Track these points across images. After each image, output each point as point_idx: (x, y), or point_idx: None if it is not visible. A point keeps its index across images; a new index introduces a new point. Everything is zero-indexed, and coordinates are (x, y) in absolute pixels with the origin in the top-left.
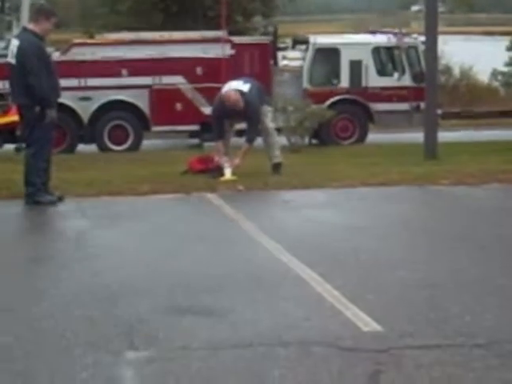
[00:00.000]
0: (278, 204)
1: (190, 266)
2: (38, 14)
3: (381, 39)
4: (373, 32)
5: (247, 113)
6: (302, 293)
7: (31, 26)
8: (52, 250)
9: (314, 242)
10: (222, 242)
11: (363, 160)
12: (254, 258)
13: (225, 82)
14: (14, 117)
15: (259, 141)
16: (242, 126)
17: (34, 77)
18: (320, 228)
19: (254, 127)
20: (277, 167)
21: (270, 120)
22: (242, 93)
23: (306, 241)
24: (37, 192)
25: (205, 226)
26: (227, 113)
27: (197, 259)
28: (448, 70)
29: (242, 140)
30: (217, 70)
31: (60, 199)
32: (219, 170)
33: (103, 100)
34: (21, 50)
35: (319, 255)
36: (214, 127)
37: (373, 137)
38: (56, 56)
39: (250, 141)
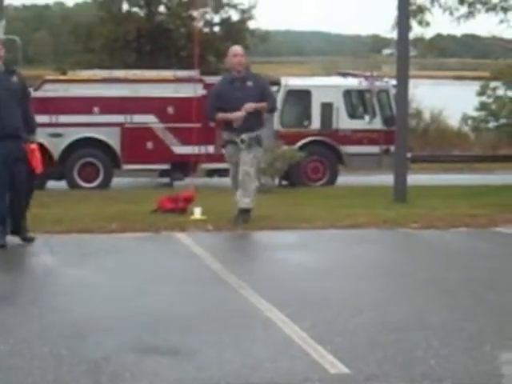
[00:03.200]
0: (246, 244)
1: (158, 305)
2: None
3: (352, 82)
4: (342, 74)
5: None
6: (270, 334)
7: None
8: (19, 287)
9: (283, 283)
10: (190, 282)
11: (333, 202)
12: (222, 299)
13: (196, 121)
14: None
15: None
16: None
17: None
18: (289, 269)
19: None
20: (243, 213)
21: (254, 165)
22: None
23: (274, 282)
24: None
25: (173, 265)
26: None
27: (164, 298)
28: (418, 113)
29: (213, 180)
30: (188, 110)
31: (29, 240)
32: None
33: (74, 137)
34: None
35: (287, 296)
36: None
37: (343, 179)
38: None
39: (271, 108)
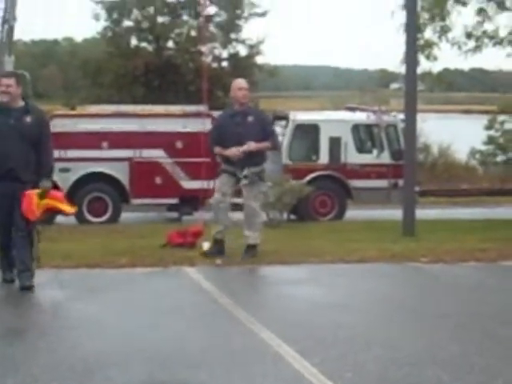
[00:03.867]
0: (255, 279)
1: (167, 339)
2: None
3: (360, 116)
4: (351, 109)
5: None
6: (280, 369)
7: None
8: (29, 321)
9: (293, 318)
10: (199, 317)
11: (342, 236)
12: (232, 334)
13: (205, 156)
14: None
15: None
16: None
17: None
18: (298, 304)
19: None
20: (250, 248)
21: (259, 200)
22: None
23: (284, 317)
24: None
25: (183, 300)
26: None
27: (174, 333)
28: (426, 147)
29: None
30: (197, 145)
31: (27, 288)
32: (217, 247)
33: (83, 172)
34: None
35: (297, 331)
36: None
37: (351, 213)
38: None
39: (272, 147)
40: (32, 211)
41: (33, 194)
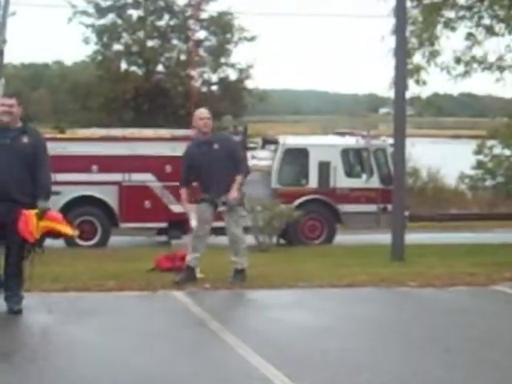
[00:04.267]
0: (244, 303)
1: (156, 364)
2: None
3: (349, 141)
4: (340, 133)
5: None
6: None
7: None
8: (17, 345)
9: (281, 343)
10: (187, 341)
11: (331, 260)
12: (220, 358)
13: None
14: None
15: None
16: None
17: None
18: (287, 328)
19: (244, 161)
20: (239, 273)
21: (240, 225)
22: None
23: (272, 341)
24: None
25: (171, 324)
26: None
27: (162, 358)
28: (415, 172)
29: (217, 238)
30: None
31: (16, 312)
32: (188, 274)
33: (72, 195)
34: None
35: (286, 356)
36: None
37: (340, 237)
38: None
39: (245, 173)
40: (30, 232)
41: (31, 213)
